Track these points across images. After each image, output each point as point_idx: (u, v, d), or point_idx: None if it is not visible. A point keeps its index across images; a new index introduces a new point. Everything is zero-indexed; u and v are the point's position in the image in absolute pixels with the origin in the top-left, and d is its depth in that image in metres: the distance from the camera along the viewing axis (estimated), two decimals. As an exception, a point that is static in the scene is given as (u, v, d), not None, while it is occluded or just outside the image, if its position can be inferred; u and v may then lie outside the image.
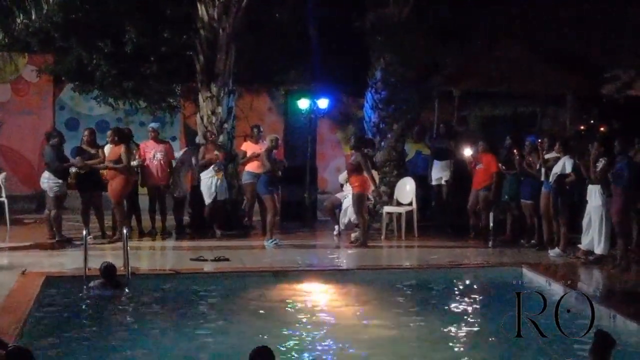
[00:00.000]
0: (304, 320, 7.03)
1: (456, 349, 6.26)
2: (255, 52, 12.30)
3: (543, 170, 9.99)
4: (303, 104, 12.63)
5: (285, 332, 6.54)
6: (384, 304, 7.76)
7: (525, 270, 8.86)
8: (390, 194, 11.66)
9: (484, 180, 10.92)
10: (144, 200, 11.01)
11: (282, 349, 5.96)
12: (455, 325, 6.90)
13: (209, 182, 10.82)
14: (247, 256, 9.60)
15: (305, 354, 6.03)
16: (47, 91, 13.81)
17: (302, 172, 12.30)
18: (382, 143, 11.97)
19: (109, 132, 10.75)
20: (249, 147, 11.44)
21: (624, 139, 9.15)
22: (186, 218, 11.40)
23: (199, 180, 11.00)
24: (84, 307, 7.33)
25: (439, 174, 11.94)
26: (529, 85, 12.72)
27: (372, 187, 10.49)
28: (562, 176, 9.63)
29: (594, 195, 9.23)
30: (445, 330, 6.75)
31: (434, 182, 11.99)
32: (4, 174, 11.75)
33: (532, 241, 10.53)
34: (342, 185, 11.50)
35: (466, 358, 6.04)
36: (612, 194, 9.00)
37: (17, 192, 12.89)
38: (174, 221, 11.16)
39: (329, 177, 14.42)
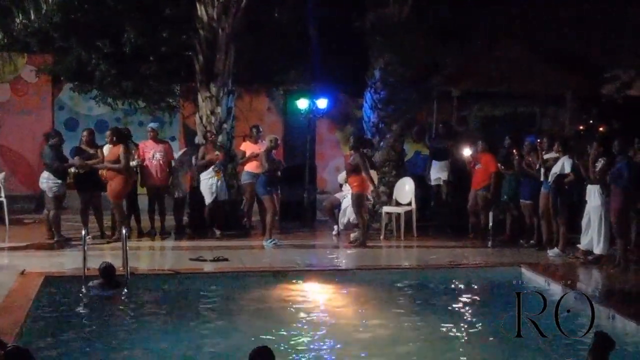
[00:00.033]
0: (304, 320, 7.02)
1: (456, 349, 6.25)
2: (255, 52, 12.30)
3: (542, 170, 10.00)
4: (302, 104, 12.62)
5: (285, 332, 6.54)
6: (383, 304, 7.76)
7: (524, 270, 8.86)
8: (390, 194, 11.66)
9: (483, 180, 10.92)
10: (143, 201, 11.00)
11: (282, 349, 5.95)
12: (454, 325, 6.90)
13: (210, 182, 10.82)
14: (247, 256, 9.59)
15: (305, 354, 6.03)
16: (46, 91, 13.80)
17: (301, 172, 12.30)
18: (381, 143, 11.97)
19: (107, 133, 10.73)
20: (248, 147, 11.43)
21: (623, 139, 9.15)
22: (185, 218, 11.39)
23: (198, 180, 11.00)
24: (83, 307, 7.33)
25: (437, 174, 11.93)
26: (529, 85, 12.74)
27: (371, 188, 10.50)
28: (561, 176, 9.64)
29: (593, 195, 9.23)
30: (444, 330, 6.75)
31: (432, 182, 11.98)
32: (3, 174, 11.77)
33: (532, 241, 10.54)
34: (341, 185, 11.52)
35: (466, 358, 6.04)
36: (610, 193, 9.01)
37: (16, 192, 12.88)
38: (173, 221, 11.15)
39: (328, 177, 14.42)
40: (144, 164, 10.74)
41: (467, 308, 7.70)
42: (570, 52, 12.68)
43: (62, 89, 13.77)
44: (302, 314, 7.21)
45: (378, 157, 11.80)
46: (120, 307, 7.38)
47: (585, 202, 9.39)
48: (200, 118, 11.58)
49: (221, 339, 6.37)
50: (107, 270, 7.71)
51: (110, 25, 11.55)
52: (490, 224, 11.14)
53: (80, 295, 7.61)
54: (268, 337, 6.27)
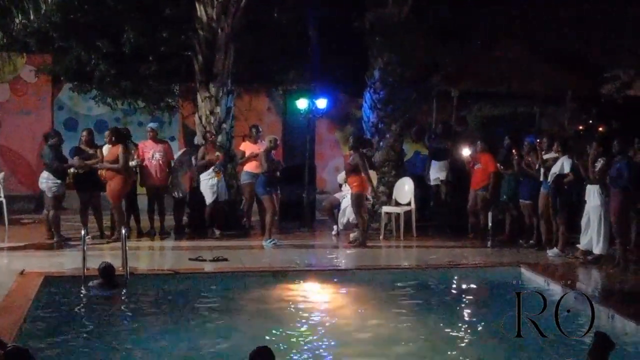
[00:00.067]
0: (304, 320, 7.01)
1: (456, 349, 6.25)
2: (254, 52, 12.29)
3: (542, 170, 10.00)
4: (302, 103, 12.61)
5: (285, 332, 6.53)
6: (382, 304, 7.76)
7: (523, 270, 8.86)
8: (389, 194, 11.66)
9: (482, 180, 10.92)
10: (142, 201, 11.00)
11: (282, 349, 5.95)
12: (454, 325, 6.91)
13: (210, 183, 10.82)
14: (246, 256, 9.59)
15: (305, 354, 6.02)
16: (45, 91, 13.80)
17: (301, 172, 12.29)
18: (381, 143, 11.97)
19: (106, 133, 10.72)
20: (247, 147, 11.43)
21: (623, 139, 9.15)
22: (185, 218, 11.38)
23: (198, 181, 10.99)
24: (82, 307, 7.32)
25: (436, 174, 11.92)
26: (529, 85, 12.73)
27: (370, 188, 10.50)
28: (560, 176, 9.64)
29: (592, 195, 9.23)
30: (444, 330, 6.75)
31: (432, 182, 11.98)
32: (2, 174, 11.76)
33: (531, 241, 10.54)
34: (340, 185, 11.52)
35: (466, 358, 6.03)
36: (609, 193, 9.01)
37: (15, 192, 12.90)
38: (172, 221, 11.15)
39: (327, 177, 14.43)
40: (144, 164, 10.74)
41: (466, 308, 7.71)
42: (570, 52, 12.68)
43: (62, 89, 13.78)
44: (301, 314, 7.21)
45: (377, 157, 11.80)
46: (120, 307, 7.37)
47: (585, 202, 9.39)
48: (200, 118, 11.57)
49: (221, 339, 6.36)
50: (106, 270, 7.71)
51: (109, 25, 11.55)
52: (490, 224, 11.15)
53: (80, 295, 7.60)
54: (268, 337, 6.27)
